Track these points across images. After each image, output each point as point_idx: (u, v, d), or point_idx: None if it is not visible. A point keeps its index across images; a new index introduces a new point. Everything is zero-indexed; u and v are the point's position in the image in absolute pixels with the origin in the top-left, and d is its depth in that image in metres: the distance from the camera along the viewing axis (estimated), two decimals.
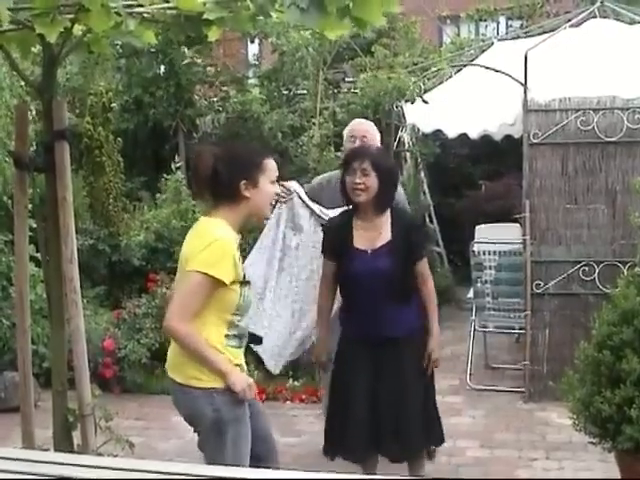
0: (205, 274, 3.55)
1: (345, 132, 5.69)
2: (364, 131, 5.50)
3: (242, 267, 3.70)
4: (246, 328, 3.80)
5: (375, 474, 4.68)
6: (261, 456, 3.83)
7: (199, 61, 11.27)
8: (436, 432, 4.87)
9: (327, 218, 5.09)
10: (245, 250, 8.63)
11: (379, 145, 5.53)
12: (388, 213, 4.65)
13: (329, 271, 4.82)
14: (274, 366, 5.28)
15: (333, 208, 5.09)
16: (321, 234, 4.99)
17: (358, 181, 4.56)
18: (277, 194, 3.95)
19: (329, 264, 4.80)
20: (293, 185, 5.28)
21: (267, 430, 3.99)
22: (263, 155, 3.82)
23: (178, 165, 9.14)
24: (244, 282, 3.69)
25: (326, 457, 4.82)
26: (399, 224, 4.64)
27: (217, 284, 3.57)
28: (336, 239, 4.75)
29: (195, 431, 3.81)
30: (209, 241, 3.60)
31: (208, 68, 11.65)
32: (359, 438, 4.65)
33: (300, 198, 5.23)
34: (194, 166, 3.78)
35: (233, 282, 3.61)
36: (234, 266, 3.61)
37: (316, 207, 5.24)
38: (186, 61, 10.91)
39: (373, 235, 4.63)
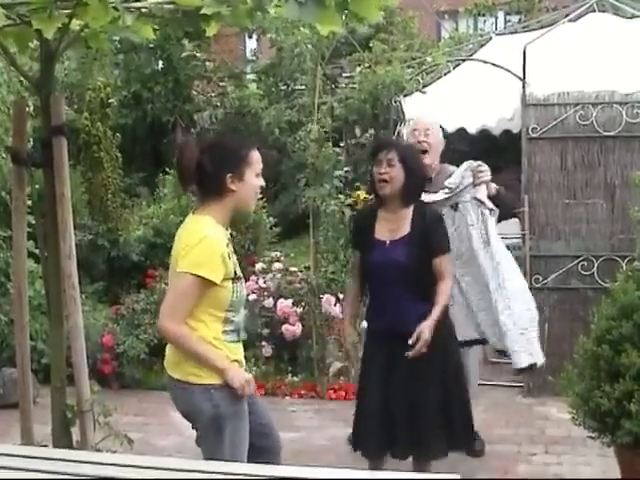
0: (195, 275, 3.54)
1: (408, 129, 5.73)
2: (427, 124, 5.46)
3: (233, 263, 3.69)
4: (242, 322, 3.80)
5: (381, 469, 4.65)
6: (264, 448, 3.83)
7: (198, 55, 11.27)
8: (460, 436, 4.73)
9: (446, 193, 5.10)
10: (245, 247, 8.64)
11: (443, 142, 5.53)
12: (412, 206, 4.64)
13: (355, 261, 4.88)
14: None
15: None
16: (456, 213, 5.07)
17: (383, 171, 4.55)
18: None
19: (355, 254, 4.86)
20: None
21: (268, 422, 3.98)
22: (248, 147, 3.79)
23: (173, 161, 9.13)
24: (235, 278, 3.68)
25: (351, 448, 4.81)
26: (419, 217, 4.61)
27: (208, 283, 3.56)
28: (360, 229, 4.79)
29: (193, 427, 3.81)
30: (196, 240, 3.59)
31: (207, 63, 11.65)
32: (372, 436, 4.62)
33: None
34: (178, 160, 3.73)
35: (224, 279, 3.60)
36: (223, 264, 3.59)
37: (437, 195, 5.15)
38: (185, 54, 10.90)
39: (394, 227, 4.61)
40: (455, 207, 5.11)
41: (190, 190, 3.94)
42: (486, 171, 5.10)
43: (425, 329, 4.39)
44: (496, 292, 5.04)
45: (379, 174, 4.57)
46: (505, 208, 5.35)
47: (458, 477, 2.70)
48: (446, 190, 5.11)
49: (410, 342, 4.37)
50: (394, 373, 4.57)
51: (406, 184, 4.55)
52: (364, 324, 5.28)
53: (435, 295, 4.53)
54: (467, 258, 5.13)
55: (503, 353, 5.26)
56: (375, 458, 4.69)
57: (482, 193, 5.13)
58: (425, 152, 5.26)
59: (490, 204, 5.12)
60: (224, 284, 3.61)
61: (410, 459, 4.71)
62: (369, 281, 4.78)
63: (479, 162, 5.14)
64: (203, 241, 3.58)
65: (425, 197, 4.99)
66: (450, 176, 5.25)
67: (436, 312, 4.48)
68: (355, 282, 4.91)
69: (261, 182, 3.81)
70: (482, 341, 5.36)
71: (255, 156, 3.77)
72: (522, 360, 5.04)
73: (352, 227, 4.91)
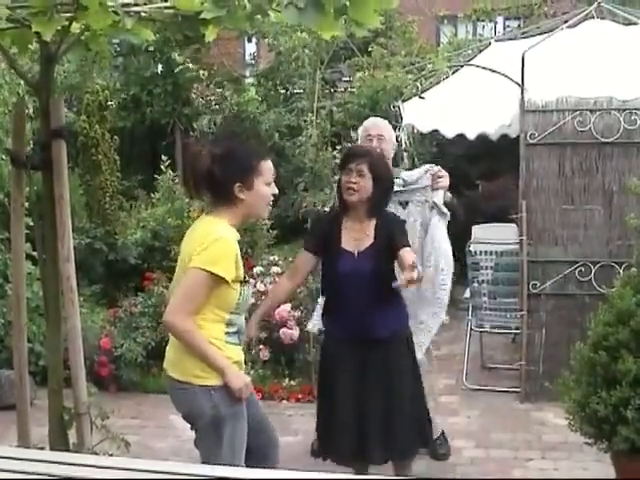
0: (207, 271, 3.57)
1: (360, 131, 5.69)
2: (380, 129, 5.50)
3: (242, 266, 3.71)
4: (243, 325, 3.82)
5: (367, 474, 4.67)
6: (262, 447, 3.85)
7: (190, 66, 11.27)
8: (425, 434, 4.84)
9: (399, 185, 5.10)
10: (243, 251, 8.65)
11: (395, 144, 5.60)
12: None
13: (303, 262, 4.79)
14: None
15: None
16: (404, 210, 5.06)
17: (353, 180, 4.55)
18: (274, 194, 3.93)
19: (308, 256, 4.75)
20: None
21: (265, 422, 4.00)
22: (259, 157, 3.82)
23: (167, 164, 9.10)
24: (244, 281, 3.72)
25: (315, 458, 4.82)
26: (383, 225, 4.61)
27: (219, 282, 3.59)
28: (322, 236, 4.73)
29: (192, 428, 3.81)
30: (212, 239, 3.62)
31: (202, 72, 11.66)
32: (345, 441, 4.64)
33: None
34: (191, 166, 3.77)
35: (234, 281, 3.63)
36: (236, 265, 3.63)
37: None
38: (179, 68, 10.91)
39: (360, 237, 4.62)
40: (404, 205, 5.13)
41: (201, 196, 3.95)
42: (445, 177, 5.14)
43: (416, 272, 4.13)
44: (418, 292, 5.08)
45: (348, 182, 4.57)
46: (455, 215, 5.35)
47: None
48: (400, 182, 5.12)
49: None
50: (367, 379, 4.60)
51: (374, 194, 4.56)
52: (313, 328, 5.29)
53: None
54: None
55: None
56: (347, 463, 4.71)
57: (439, 198, 5.18)
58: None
59: (444, 209, 5.16)
60: (234, 285, 3.65)
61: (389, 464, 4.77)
62: (333, 291, 4.74)
63: (439, 167, 5.18)
64: (219, 240, 3.62)
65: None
66: (402, 177, 5.32)
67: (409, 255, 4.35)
68: (290, 282, 4.85)
69: (273, 190, 3.85)
70: None
71: (266, 166, 3.81)
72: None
73: (311, 230, 4.88)
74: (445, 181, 5.17)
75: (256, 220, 8.92)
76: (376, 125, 5.61)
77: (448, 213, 5.15)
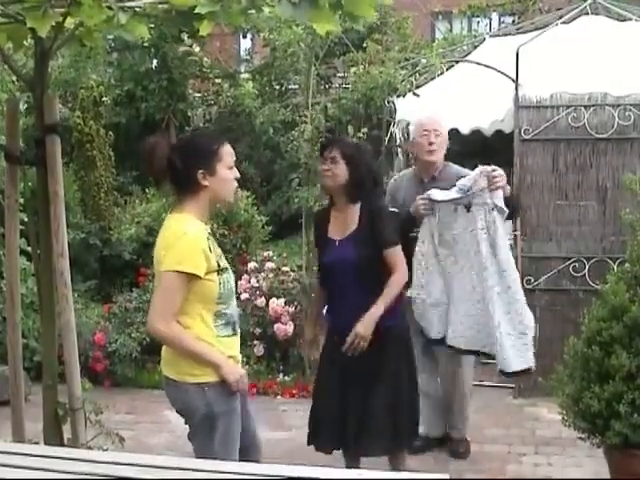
0: (177, 271, 3.54)
1: (415, 126, 5.74)
2: (436, 124, 5.52)
3: (217, 255, 3.69)
4: (234, 314, 3.79)
5: (358, 467, 4.68)
6: (243, 446, 3.84)
7: (197, 49, 11.27)
8: (403, 435, 4.77)
9: (457, 194, 5.04)
10: (237, 246, 8.62)
11: (447, 140, 5.60)
12: (359, 204, 4.67)
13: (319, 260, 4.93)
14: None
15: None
16: (468, 214, 5.00)
17: (326, 167, 4.63)
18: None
19: (316, 252, 4.88)
20: (431, 193, 5.17)
21: (249, 420, 3.98)
22: (218, 142, 3.79)
23: None
24: (220, 270, 3.68)
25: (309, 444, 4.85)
26: (366, 213, 4.64)
27: (192, 278, 3.56)
28: (316, 228, 4.88)
29: (186, 423, 3.82)
30: (174, 239, 3.61)
31: (205, 59, 11.65)
32: (327, 432, 4.69)
33: (433, 199, 5.12)
34: (148, 158, 3.71)
35: (208, 272, 3.61)
36: (205, 258, 3.59)
37: (451, 194, 5.10)
38: (183, 49, 10.89)
39: (344, 224, 4.67)
40: (468, 208, 5.08)
41: (164, 188, 3.94)
42: (502, 176, 5.03)
43: (359, 325, 4.45)
44: (499, 297, 4.99)
45: (322, 170, 4.67)
46: (514, 209, 5.32)
47: (447, 477, 2.72)
48: (457, 189, 5.08)
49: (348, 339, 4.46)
50: (348, 372, 4.62)
51: (350, 180, 4.60)
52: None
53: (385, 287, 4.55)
54: (474, 262, 5.05)
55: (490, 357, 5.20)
56: (327, 452, 4.76)
57: (499, 199, 5.02)
58: (433, 151, 5.44)
59: (505, 208, 5.06)
60: (209, 277, 3.61)
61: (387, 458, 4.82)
62: (323, 280, 4.84)
63: (494, 167, 5.06)
64: (182, 238, 3.59)
65: (437, 193, 5.08)
66: (455, 174, 5.31)
67: (376, 307, 4.48)
68: (320, 281, 4.97)
69: (235, 174, 3.80)
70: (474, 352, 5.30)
71: (226, 150, 3.77)
72: (513, 364, 5.02)
73: (313, 226, 4.97)
74: (502, 180, 5.03)
75: (251, 217, 8.95)
76: (433, 120, 5.61)
77: (506, 211, 5.08)
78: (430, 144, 5.44)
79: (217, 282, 3.65)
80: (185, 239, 3.60)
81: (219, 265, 3.68)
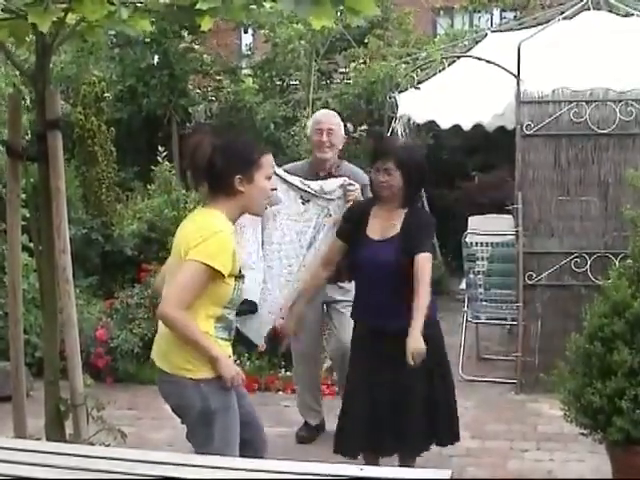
0: (206, 265, 3.54)
1: (310, 123, 5.82)
2: (330, 124, 5.62)
3: (239, 261, 3.71)
4: (233, 321, 3.81)
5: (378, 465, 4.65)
6: (247, 440, 3.84)
7: (197, 47, 11.26)
8: (444, 433, 4.81)
9: (314, 188, 5.10)
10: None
11: (344, 137, 5.74)
12: (407, 208, 4.65)
13: (333, 250, 4.83)
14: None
15: None
16: (302, 206, 5.04)
17: (381, 179, 4.59)
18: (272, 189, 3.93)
19: (338, 243, 4.79)
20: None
21: (252, 414, 3.99)
22: (260, 151, 3.82)
23: (163, 155, 9.09)
24: (239, 276, 3.70)
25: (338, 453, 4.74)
26: (411, 218, 4.61)
27: (215, 276, 3.57)
28: (353, 224, 4.75)
29: (182, 422, 3.81)
30: (211, 232, 3.60)
31: (205, 56, 11.64)
32: (356, 436, 4.63)
33: (276, 174, 5.15)
34: (191, 156, 3.73)
35: (230, 275, 3.62)
36: (233, 260, 3.62)
37: (296, 179, 5.16)
38: (183, 45, 10.89)
39: (386, 225, 4.62)
40: (306, 201, 5.13)
41: (199, 186, 3.92)
42: (356, 189, 5.13)
43: (411, 342, 4.25)
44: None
45: (378, 182, 4.62)
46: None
47: (449, 472, 2.72)
48: (317, 188, 5.15)
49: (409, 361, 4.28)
50: (378, 373, 4.58)
51: (405, 187, 4.58)
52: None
53: (414, 298, 4.40)
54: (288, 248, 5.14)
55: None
56: (355, 457, 4.66)
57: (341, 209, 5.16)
58: (326, 148, 5.58)
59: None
60: (228, 280, 3.62)
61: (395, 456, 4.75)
62: (356, 278, 4.82)
63: (350, 180, 5.17)
64: (218, 234, 3.60)
65: (313, 183, 5.14)
66: (350, 172, 5.48)
67: (417, 323, 4.32)
68: (324, 269, 4.87)
69: (272, 185, 3.84)
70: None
71: (267, 160, 3.80)
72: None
73: (344, 218, 4.89)
74: (355, 192, 5.15)
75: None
76: (327, 118, 5.72)
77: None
78: (322, 142, 5.56)
79: (232, 287, 3.67)
80: (221, 236, 3.60)
81: (240, 271, 3.70)
